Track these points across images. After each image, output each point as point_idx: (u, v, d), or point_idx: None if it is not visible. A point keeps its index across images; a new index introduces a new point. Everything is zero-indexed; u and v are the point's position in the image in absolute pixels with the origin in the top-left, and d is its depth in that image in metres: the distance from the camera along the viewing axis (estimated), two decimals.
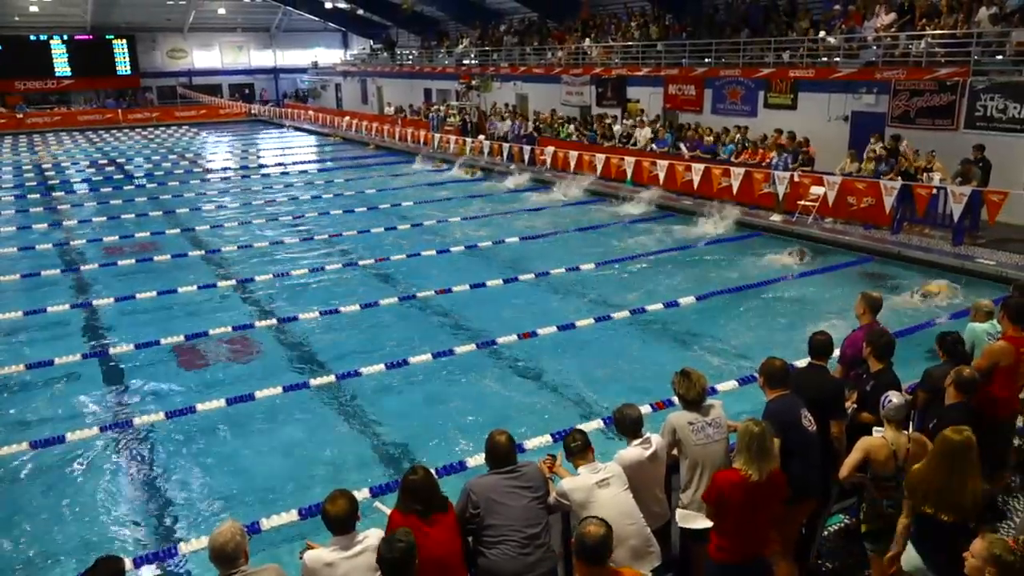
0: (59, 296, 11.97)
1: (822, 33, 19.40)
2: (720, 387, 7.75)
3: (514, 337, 9.62)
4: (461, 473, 6.23)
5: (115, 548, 5.87)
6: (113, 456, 7.41)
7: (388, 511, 4.31)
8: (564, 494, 4.33)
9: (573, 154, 21.73)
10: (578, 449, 4.46)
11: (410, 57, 40.81)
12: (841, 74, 18.09)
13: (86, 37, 44.75)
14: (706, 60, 22.19)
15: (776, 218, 15.93)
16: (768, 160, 17.15)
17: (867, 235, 14.52)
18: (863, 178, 15.34)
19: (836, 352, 5.68)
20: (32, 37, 43.58)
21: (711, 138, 19.90)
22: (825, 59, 18.96)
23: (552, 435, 6.88)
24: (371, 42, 47.94)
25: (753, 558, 4.29)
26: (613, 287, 12.21)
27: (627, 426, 4.68)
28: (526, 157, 23.62)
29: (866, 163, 15.77)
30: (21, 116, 41.61)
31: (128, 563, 5.22)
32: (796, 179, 15.99)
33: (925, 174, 14.55)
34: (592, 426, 7.02)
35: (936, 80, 16.09)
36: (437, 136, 28.43)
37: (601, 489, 4.29)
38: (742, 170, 17.00)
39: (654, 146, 21.01)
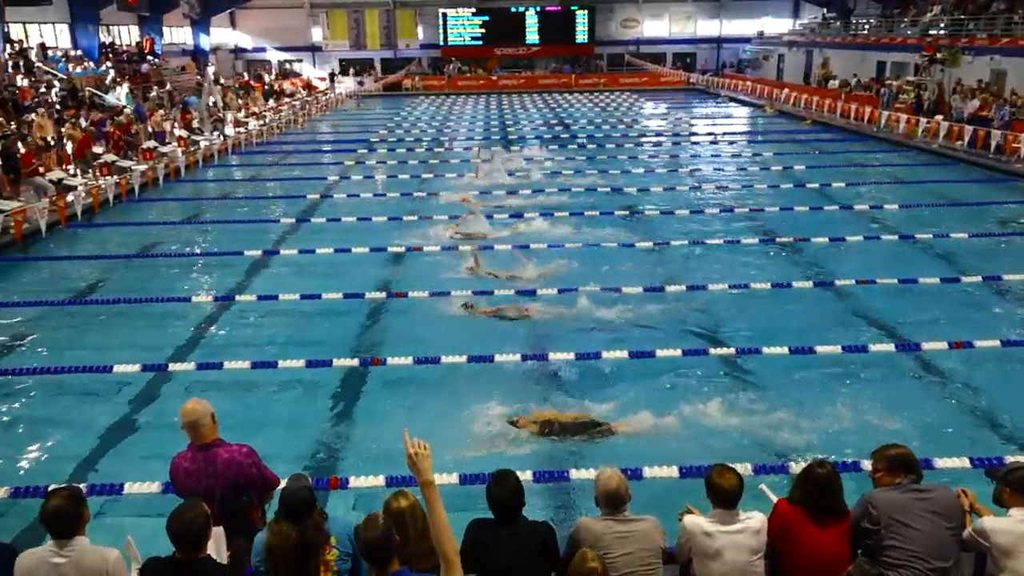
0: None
1: None
2: None
3: (943, 344, 8.49)
4: (852, 473, 5.75)
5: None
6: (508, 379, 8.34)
7: (774, 498, 4.20)
8: (984, 532, 3.77)
9: None
10: None
11: (866, 26, 37.50)
12: None
13: (555, 8, 49.57)
14: None
15: None
16: None
17: None
18: None
19: None
20: (512, 9, 49.69)
21: None
22: None
23: (971, 460, 5.99)
24: (824, 10, 45.07)
25: None
26: None
27: None
28: (992, 144, 20.31)
29: None
30: (496, 78, 48.29)
31: (529, 475, 5.94)
32: None
33: None
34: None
35: None
36: (885, 114, 25.89)
37: None
38: None
39: None
